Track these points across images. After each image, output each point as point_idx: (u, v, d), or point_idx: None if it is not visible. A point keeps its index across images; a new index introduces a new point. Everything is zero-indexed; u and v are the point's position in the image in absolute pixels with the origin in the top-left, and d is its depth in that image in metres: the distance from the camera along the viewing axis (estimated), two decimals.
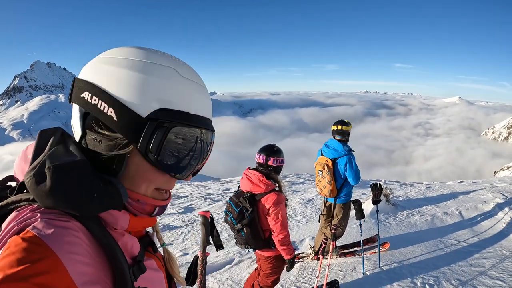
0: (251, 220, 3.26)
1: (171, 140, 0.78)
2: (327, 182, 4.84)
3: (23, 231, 0.64)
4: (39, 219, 0.66)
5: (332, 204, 5.05)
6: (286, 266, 3.57)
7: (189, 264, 1.44)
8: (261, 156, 3.34)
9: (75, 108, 0.81)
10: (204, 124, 0.84)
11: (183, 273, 1.25)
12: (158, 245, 1.07)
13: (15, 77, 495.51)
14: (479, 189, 9.42)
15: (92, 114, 0.77)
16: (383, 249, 5.23)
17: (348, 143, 4.94)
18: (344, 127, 4.84)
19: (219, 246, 1.46)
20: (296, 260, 5.21)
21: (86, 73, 0.80)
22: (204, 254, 1.57)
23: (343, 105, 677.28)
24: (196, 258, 1.47)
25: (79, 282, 0.63)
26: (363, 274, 4.62)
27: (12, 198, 0.76)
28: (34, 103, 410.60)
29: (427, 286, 4.19)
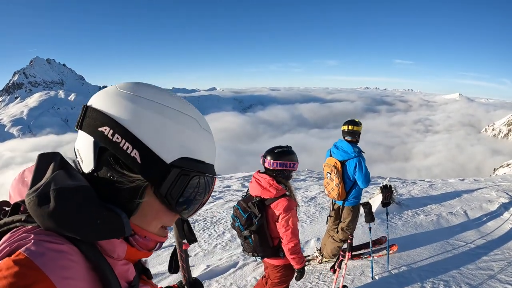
0: (260, 226, 3.11)
1: (190, 186, 0.83)
2: (335, 185, 4.73)
3: (14, 253, 0.62)
4: (32, 241, 0.64)
5: (341, 207, 4.96)
6: (295, 275, 3.41)
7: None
8: (271, 161, 3.15)
9: (86, 138, 0.80)
10: (213, 171, 0.91)
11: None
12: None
13: (14, 74, 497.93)
14: (482, 188, 9.43)
15: (112, 151, 0.77)
16: (391, 252, 5.17)
17: (359, 143, 4.83)
18: (355, 128, 4.72)
19: (192, 241, 1.40)
20: None
21: (103, 105, 0.80)
22: (181, 248, 1.54)
23: (343, 101, 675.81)
24: (175, 249, 1.47)
25: None
26: (372, 278, 4.57)
27: (5, 220, 0.75)
28: (33, 100, 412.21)
29: None
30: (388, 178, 11.31)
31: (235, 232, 3.40)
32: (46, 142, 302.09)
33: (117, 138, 0.76)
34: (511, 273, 4.44)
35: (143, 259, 1.05)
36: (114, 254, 0.80)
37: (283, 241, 3.17)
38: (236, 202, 3.35)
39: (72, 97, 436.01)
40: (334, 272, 3.45)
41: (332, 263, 3.93)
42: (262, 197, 3.15)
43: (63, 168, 0.80)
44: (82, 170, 0.81)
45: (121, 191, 0.79)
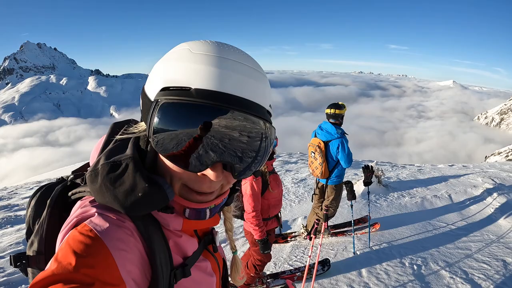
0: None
1: (163, 117, 0.69)
2: (319, 164, 4.89)
3: (80, 224, 0.68)
4: (96, 214, 0.70)
5: (324, 185, 5.12)
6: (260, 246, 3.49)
7: None
8: None
9: None
10: (218, 99, 0.68)
11: None
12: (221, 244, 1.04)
13: (4, 59, 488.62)
14: (469, 174, 9.63)
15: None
16: (373, 230, 5.36)
17: (342, 125, 4.94)
18: (337, 111, 4.81)
19: None
20: (289, 239, 5.31)
21: None
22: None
23: (337, 85, 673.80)
24: None
25: (126, 279, 0.65)
26: (354, 253, 4.74)
27: (79, 189, 0.81)
28: (25, 85, 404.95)
29: (415, 266, 4.32)
30: (375, 162, 11.49)
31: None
32: (38, 127, 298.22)
33: (141, 99, 0.80)
34: (488, 253, 4.62)
35: (215, 230, 1.03)
36: (169, 227, 0.81)
37: (245, 209, 3.31)
38: None
39: (63, 81, 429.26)
40: (310, 239, 3.59)
41: (316, 231, 4.07)
42: None
43: (124, 139, 0.82)
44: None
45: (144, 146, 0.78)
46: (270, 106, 0.82)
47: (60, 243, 0.69)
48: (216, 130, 0.69)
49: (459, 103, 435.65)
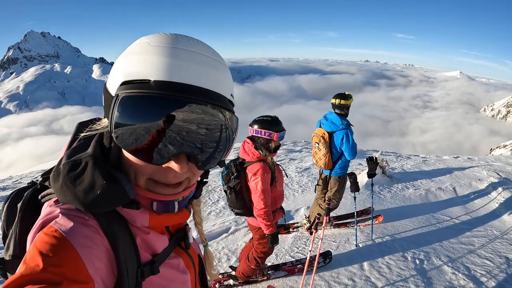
0: (236, 185, 3.26)
1: (126, 112, 0.69)
2: (322, 155, 4.82)
3: (46, 225, 0.69)
4: (60, 214, 0.71)
5: (328, 176, 5.07)
6: (268, 241, 3.48)
7: None
8: (252, 129, 3.24)
9: None
10: (178, 90, 0.69)
11: None
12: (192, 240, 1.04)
13: (9, 49, 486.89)
14: (474, 166, 9.54)
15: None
16: (376, 222, 5.31)
17: (348, 116, 4.85)
18: (343, 101, 4.70)
19: None
20: (291, 229, 5.29)
21: None
22: None
23: (343, 73, 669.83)
24: None
25: (94, 276, 0.67)
26: (356, 246, 4.71)
27: (47, 191, 0.82)
28: (29, 74, 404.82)
29: (417, 261, 4.28)
30: (379, 152, 11.43)
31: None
32: (42, 116, 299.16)
33: (103, 95, 0.78)
34: (491, 250, 4.58)
35: (188, 226, 1.02)
36: (135, 223, 0.81)
37: (254, 205, 3.29)
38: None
39: (68, 69, 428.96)
40: (311, 233, 3.58)
41: (317, 226, 4.03)
42: (244, 159, 3.30)
43: (88, 137, 0.83)
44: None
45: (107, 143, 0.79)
46: (232, 95, 0.82)
47: (28, 245, 0.71)
48: (176, 121, 0.69)
49: (465, 94, 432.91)
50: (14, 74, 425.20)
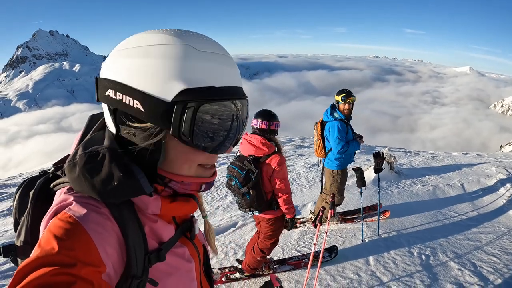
0: (256, 182, 3.33)
1: (202, 119, 0.76)
2: (315, 141, 5.07)
3: (60, 212, 0.73)
4: (74, 202, 0.74)
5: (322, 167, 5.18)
6: (287, 226, 3.71)
7: None
8: (263, 123, 3.38)
9: (104, 107, 0.83)
10: (234, 93, 0.81)
11: None
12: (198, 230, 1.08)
13: (17, 48, 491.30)
14: (483, 163, 9.47)
15: (121, 109, 0.78)
16: (383, 217, 5.32)
17: (348, 111, 4.83)
18: (336, 96, 4.86)
19: None
20: (297, 224, 5.32)
21: (106, 71, 0.81)
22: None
23: (352, 69, 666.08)
24: None
25: (105, 260, 0.71)
26: (362, 241, 4.72)
27: (59, 180, 0.85)
28: (38, 72, 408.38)
29: (423, 256, 4.28)
30: (387, 148, 11.39)
31: (236, 197, 3.57)
32: (51, 114, 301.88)
33: (119, 95, 0.77)
34: (498, 246, 4.55)
35: (195, 217, 1.06)
36: (147, 211, 0.85)
37: (278, 194, 3.44)
38: (230, 163, 3.51)
39: (77, 67, 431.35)
40: (315, 227, 3.65)
41: (321, 219, 4.06)
42: (256, 155, 3.38)
43: (104, 129, 0.89)
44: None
45: (142, 145, 0.81)
46: None
47: (42, 231, 0.74)
48: (239, 117, 0.83)
49: (475, 90, 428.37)
50: (23, 73, 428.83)
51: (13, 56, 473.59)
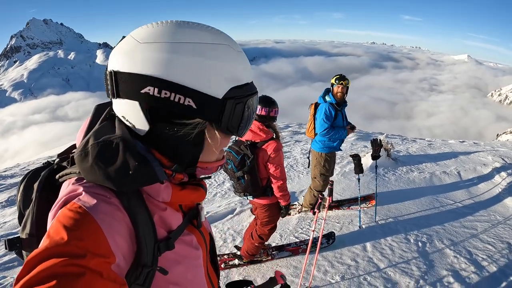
0: (251, 167, 3.37)
1: (245, 111, 0.86)
2: (308, 120, 5.13)
3: (69, 202, 0.73)
4: (84, 192, 0.74)
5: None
6: (281, 212, 3.72)
7: None
8: (263, 109, 3.39)
9: (129, 103, 0.80)
10: (255, 87, 0.91)
11: None
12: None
13: (11, 37, 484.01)
14: (480, 151, 9.50)
15: (165, 107, 0.78)
16: (369, 205, 5.38)
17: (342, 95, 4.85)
18: (331, 80, 4.89)
19: None
20: (292, 211, 5.37)
21: (134, 65, 0.78)
22: None
23: (349, 55, 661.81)
24: None
25: (115, 251, 0.71)
26: (359, 227, 4.77)
27: (66, 171, 0.85)
28: (33, 62, 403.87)
29: (419, 243, 4.33)
30: (385, 134, 11.42)
31: (232, 181, 3.60)
32: (46, 103, 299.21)
33: (165, 93, 0.76)
34: (493, 235, 4.59)
35: (200, 205, 1.06)
36: (158, 198, 0.86)
37: (273, 180, 3.46)
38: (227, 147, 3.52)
39: (72, 56, 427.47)
40: (314, 213, 3.69)
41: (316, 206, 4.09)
42: (253, 140, 3.40)
43: (109, 119, 0.88)
44: (135, 131, 0.84)
45: (183, 139, 0.84)
46: None
47: (51, 222, 0.73)
48: (256, 107, 0.94)
49: (472, 79, 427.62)
50: (17, 63, 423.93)
51: (7, 46, 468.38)
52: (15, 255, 4.28)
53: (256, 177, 3.42)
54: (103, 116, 0.90)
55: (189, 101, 0.77)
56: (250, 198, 3.61)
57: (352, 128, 4.99)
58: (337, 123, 4.83)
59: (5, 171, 10.09)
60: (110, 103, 0.91)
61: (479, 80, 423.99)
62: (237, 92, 0.83)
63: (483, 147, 10.79)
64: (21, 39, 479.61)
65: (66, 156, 0.94)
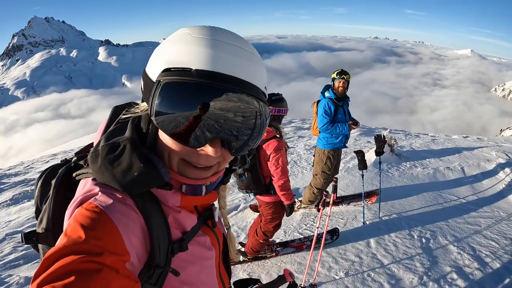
0: (253, 165, 3.39)
1: (165, 96, 0.73)
2: (312, 118, 5.17)
3: (85, 202, 0.74)
4: (100, 192, 0.75)
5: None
6: (286, 211, 3.71)
7: None
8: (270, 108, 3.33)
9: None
10: (217, 79, 0.72)
11: None
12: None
13: (13, 36, 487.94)
14: (484, 147, 9.46)
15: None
16: (370, 202, 5.40)
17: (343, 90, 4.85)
18: (332, 75, 4.90)
19: None
20: (298, 208, 5.38)
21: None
22: None
23: (352, 50, 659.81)
24: None
25: (130, 250, 0.72)
26: (363, 223, 4.78)
27: (83, 170, 0.87)
28: (35, 60, 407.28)
29: (423, 239, 4.34)
30: (388, 130, 11.40)
31: (235, 177, 3.62)
32: (49, 101, 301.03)
33: (142, 80, 0.83)
34: (497, 231, 4.58)
35: (214, 205, 1.07)
36: (168, 203, 0.86)
37: (273, 179, 3.45)
38: None
39: (74, 53, 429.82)
40: (319, 210, 3.71)
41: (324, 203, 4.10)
42: None
43: (124, 121, 0.89)
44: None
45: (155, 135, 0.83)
46: (265, 88, 0.86)
47: (67, 220, 0.75)
48: (215, 108, 0.73)
49: (476, 73, 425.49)
50: (20, 61, 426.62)
51: (9, 45, 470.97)
52: (20, 254, 4.33)
53: (257, 174, 3.44)
54: (122, 117, 0.90)
55: (141, 84, 0.81)
56: (251, 195, 3.63)
57: (355, 124, 4.92)
58: (339, 119, 4.83)
59: (9, 169, 10.15)
60: (128, 104, 0.92)
61: (483, 74, 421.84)
62: (166, 75, 0.74)
63: (487, 142, 10.76)
64: (23, 37, 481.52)
65: (83, 155, 0.95)
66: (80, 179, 0.87)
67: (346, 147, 5.26)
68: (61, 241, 0.66)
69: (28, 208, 6.17)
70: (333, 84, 4.84)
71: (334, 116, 4.79)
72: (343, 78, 4.73)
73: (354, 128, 4.98)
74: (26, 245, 4.49)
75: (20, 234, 4.87)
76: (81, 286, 0.59)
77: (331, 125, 4.76)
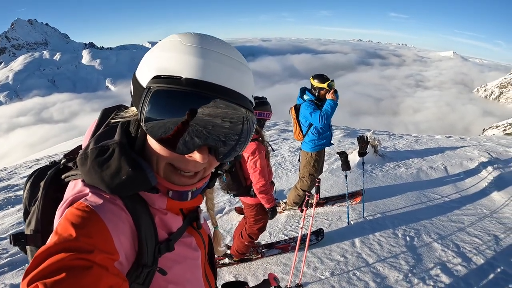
0: (232, 167, 3.39)
1: (154, 103, 0.74)
2: (293, 124, 5.18)
3: (76, 202, 0.76)
4: (90, 193, 0.78)
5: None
6: (268, 215, 3.69)
7: None
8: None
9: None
10: (206, 88, 0.73)
11: None
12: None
13: None
14: (466, 146, 9.61)
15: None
16: (354, 203, 5.41)
17: (336, 92, 4.76)
18: (315, 82, 4.81)
19: None
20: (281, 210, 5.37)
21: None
22: None
23: (336, 52, 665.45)
24: None
25: (119, 249, 0.74)
26: (348, 223, 4.79)
27: (72, 172, 0.89)
28: (18, 63, 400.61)
29: (407, 238, 4.37)
30: (371, 131, 11.49)
31: None
32: (32, 105, 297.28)
33: (132, 84, 0.83)
34: (480, 228, 4.65)
35: (200, 208, 1.08)
36: (154, 205, 0.88)
37: (252, 182, 3.43)
38: None
39: (57, 56, 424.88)
40: (302, 211, 3.70)
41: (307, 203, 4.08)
42: None
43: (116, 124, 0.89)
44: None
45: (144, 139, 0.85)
46: (252, 96, 0.87)
47: (58, 220, 0.76)
48: (203, 116, 0.74)
49: (458, 74, 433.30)
50: (2, 64, 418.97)
51: None
52: (5, 261, 4.23)
53: (237, 176, 3.45)
54: (112, 121, 0.91)
55: (131, 89, 0.82)
56: (232, 196, 3.62)
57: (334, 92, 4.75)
58: None
59: None
60: (117, 107, 0.96)
61: (465, 76, 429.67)
62: (155, 82, 0.75)
63: (469, 142, 10.92)
64: (5, 40, 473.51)
65: (72, 157, 0.97)
66: (69, 181, 0.88)
67: (333, 144, 5.26)
68: (52, 239, 0.67)
69: (12, 214, 6.03)
70: (319, 92, 4.79)
71: None
72: (331, 86, 4.70)
73: (333, 98, 4.72)
74: (11, 252, 4.41)
75: (3, 241, 4.78)
76: (72, 282, 0.60)
77: (321, 113, 4.61)
